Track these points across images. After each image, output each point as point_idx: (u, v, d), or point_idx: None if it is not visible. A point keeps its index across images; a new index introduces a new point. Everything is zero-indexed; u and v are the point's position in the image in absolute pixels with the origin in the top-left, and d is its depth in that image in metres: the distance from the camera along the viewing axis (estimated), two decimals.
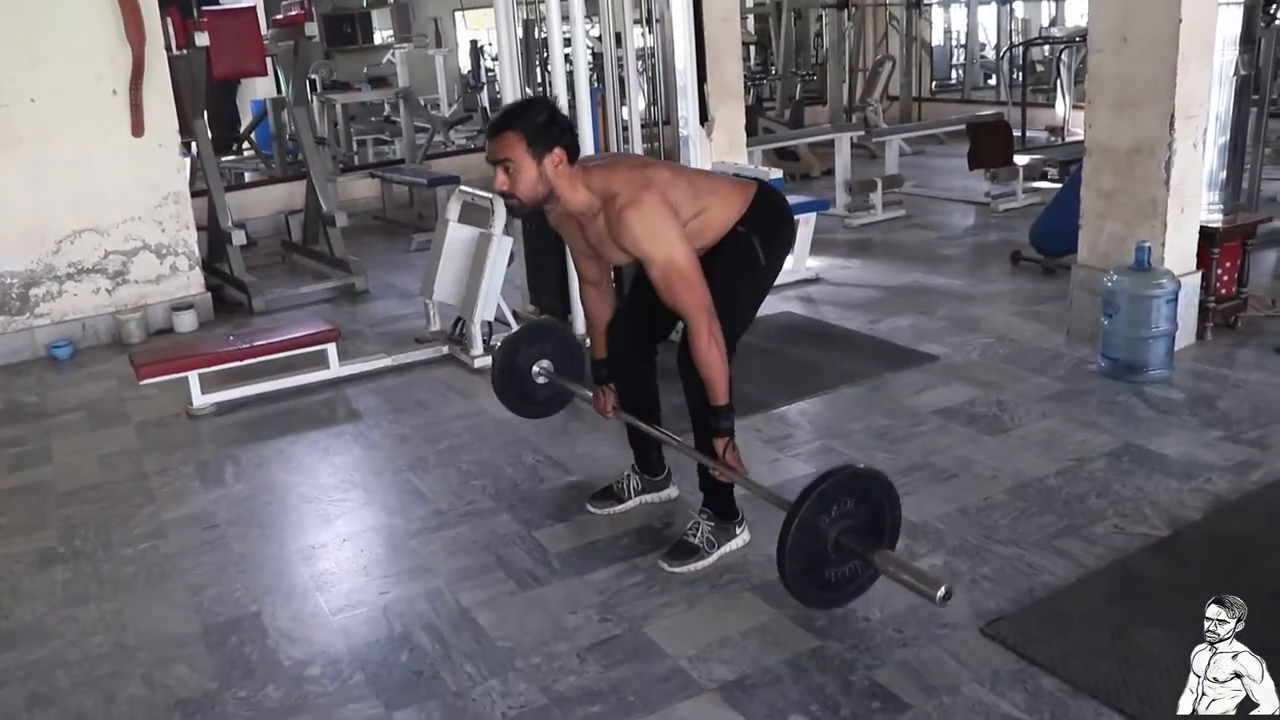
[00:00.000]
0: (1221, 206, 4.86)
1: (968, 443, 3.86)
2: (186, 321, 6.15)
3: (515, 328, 5.38)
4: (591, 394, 3.52)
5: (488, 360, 5.01)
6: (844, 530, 2.61)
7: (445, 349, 5.25)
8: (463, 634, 2.87)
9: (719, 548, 3.13)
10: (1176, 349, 4.43)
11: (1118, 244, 4.61)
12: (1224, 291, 4.81)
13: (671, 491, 3.54)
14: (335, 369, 4.94)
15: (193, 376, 4.67)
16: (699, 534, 3.14)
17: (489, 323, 5.15)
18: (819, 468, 3.72)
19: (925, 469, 3.67)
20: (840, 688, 2.53)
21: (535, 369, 3.79)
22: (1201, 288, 4.68)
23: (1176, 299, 4.32)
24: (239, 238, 6.58)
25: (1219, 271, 4.75)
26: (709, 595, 2.97)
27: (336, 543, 3.46)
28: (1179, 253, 4.54)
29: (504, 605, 2.99)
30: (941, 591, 2.42)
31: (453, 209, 5.37)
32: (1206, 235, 4.67)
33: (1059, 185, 7.52)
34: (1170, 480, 3.46)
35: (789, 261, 6.12)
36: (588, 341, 3.49)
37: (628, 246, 2.88)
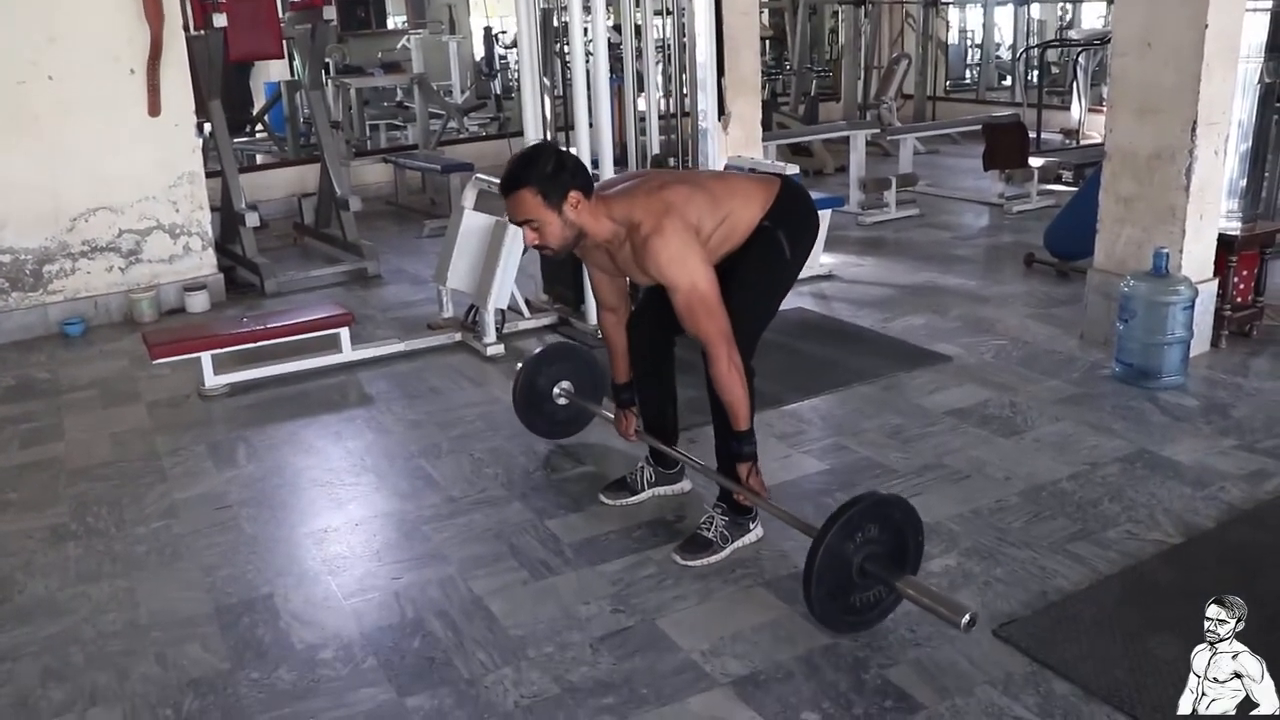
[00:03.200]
0: (1240, 215, 4.83)
1: (981, 444, 3.86)
2: (198, 302, 6.15)
3: (527, 315, 5.42)
4: (612, 415, 3.57)
5: (500, 348, 5.03)
6: (868, 556, 2.63)
7: (458, 336, 5.24)
8: (475, 621, 2.87)
9: (732, 542, 3.13)
10: (1191, 356, 4.42)
11: (1135, 249, 4.60)
12: (1240, 300, 4.79)
13: (685, 485, 3.54)
14: (348, 353, 4.94)
15: (205, 357, 4.67)
16: (713, 528, 3.14)
17: (502, 311, 5.15)
18: (831, 465, 3.74)
19: (938, 469, 3.66)
20: (853, 686, 2.54)
21: (556, 390, 3.84)
22: (1218, 295, 4.67)
23: (1193, 306, 4.31)
24: (252, 219, 6.56)
25: (1236, 279, 4.74)
26: (721, 589, 2.98)
27: (349, 527, 3.47)
28: (1197, 260, 4.53)
29: (516, 594, 3.00)
30: (966, 618, 2.44)
31: (469, 196, 5.36)
32: (1225, 243, 4.65)
33: (1074, 188, 7.51)
34: (1184, 487, 3.46)
35: None
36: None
37: (653, 274, 2.92)
